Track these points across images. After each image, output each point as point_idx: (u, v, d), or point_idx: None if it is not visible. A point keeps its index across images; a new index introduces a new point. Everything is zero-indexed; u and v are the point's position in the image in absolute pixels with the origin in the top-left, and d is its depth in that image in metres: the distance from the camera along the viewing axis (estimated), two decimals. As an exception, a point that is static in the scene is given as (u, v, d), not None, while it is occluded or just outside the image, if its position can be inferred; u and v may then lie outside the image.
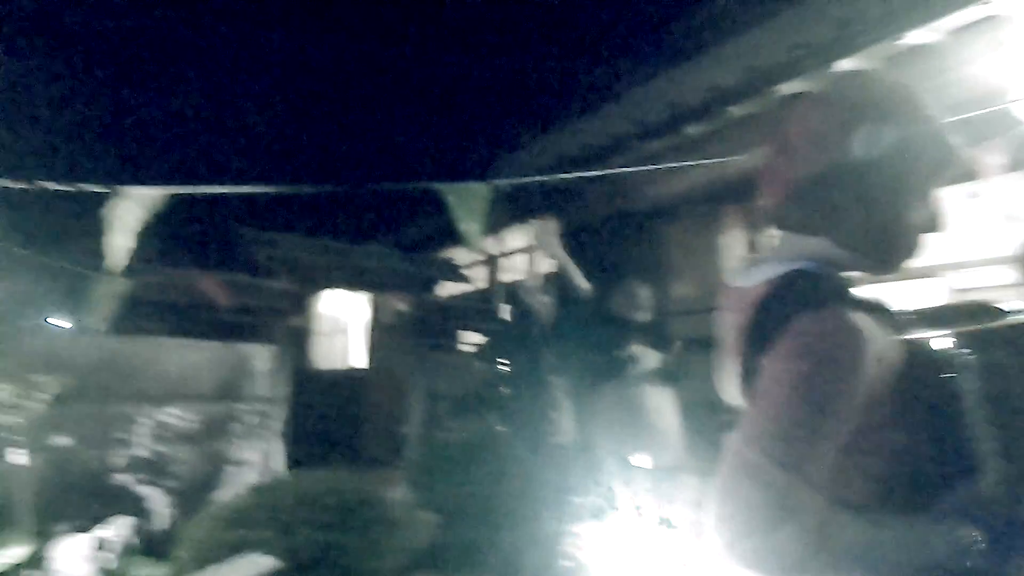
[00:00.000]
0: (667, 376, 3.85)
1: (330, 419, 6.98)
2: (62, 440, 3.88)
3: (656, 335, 4.16)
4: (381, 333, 6.74)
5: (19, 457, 3.42)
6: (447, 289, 6.87)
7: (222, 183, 3.09)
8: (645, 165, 4.27)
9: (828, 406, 0.71)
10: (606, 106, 5.54)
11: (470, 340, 7.17)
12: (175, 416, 4.77)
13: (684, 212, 5.25)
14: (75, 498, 4.00)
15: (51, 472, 3.84)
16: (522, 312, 3.92)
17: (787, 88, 4.50)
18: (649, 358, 3.80)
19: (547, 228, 3.46)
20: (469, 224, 2.82)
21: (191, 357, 4.86)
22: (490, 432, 5.80)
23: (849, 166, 0.85)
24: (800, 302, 0.79)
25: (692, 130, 5.15)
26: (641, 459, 3.60)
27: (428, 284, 6.66)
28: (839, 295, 0.81)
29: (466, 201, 2.82)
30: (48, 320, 3.71)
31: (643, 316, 3.87)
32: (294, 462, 5.31)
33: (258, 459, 5.21)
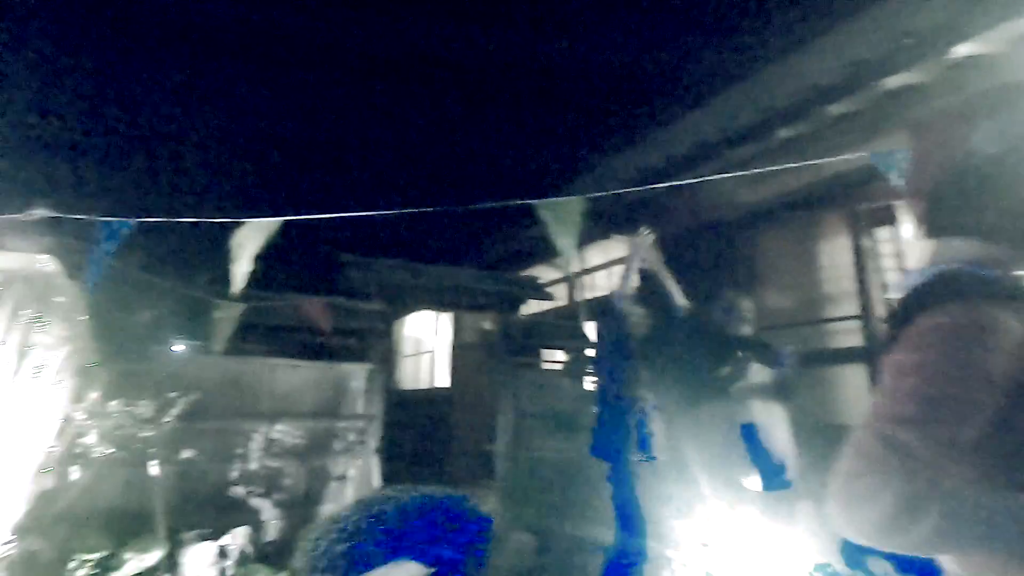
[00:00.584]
0: (776, 392, 3.62)
1: (422, 436, 7.16)
2: (188, 453, 4.21)
3: (760, 349, 3.93)
4: (469, 352, 6.87)
5: (154, 469, 3.74)
6: (534, 306, 6.89)
7: (320, 211, 3.28)
8: (738, 170, 4.10)
9: (972, 389, 0.76)
10: (695, 111, 5.39)
11: (558, 358, 7.13)
12: (284, 433, 5.06)
13: (783, 218, 4.98)
14: (200, 508, 4.32)
15: (180, 483, 4.18)
16: (614, 328, 3.83)
17: (891, 82, 4.19)
18: (755, 373, 3.60)
19: (642, 241, 3.38)
20: (564, 239, 2.81)
21: (297, 377, 5.16)
22: (582, 452, 5.70)
23: (988, 162, 0.87)
24: (945, 297, 0.83)
25: (787, 132, 4.90)
26: (750, 481, 3.39)
27: (515, 302, 6.71)
28: (983, 289, 0.84)
29: (561, 216, 2.82)
30: (174, 343, 4.06)
31: (745, 329, 3.68)
32: (390, 478, 5.46)
33: (357, 475, 5.41)
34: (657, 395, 4.07)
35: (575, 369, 6.49)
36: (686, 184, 3.54)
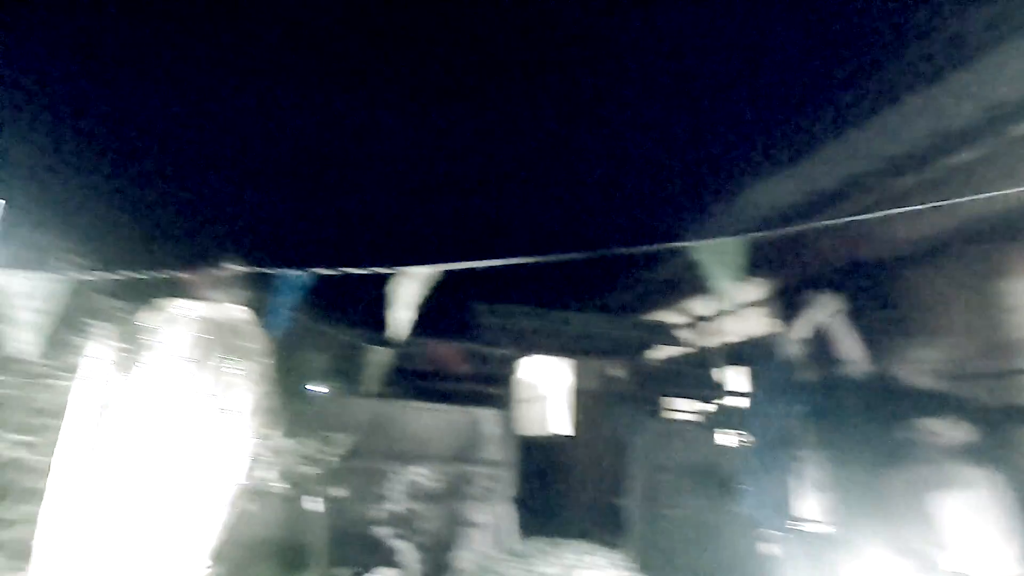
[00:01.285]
0: (972, 455, 3.14)
1: (553, 485, 7.03)
2: (340, 492, 4.44)
3: (945, 404, 3.45)
4: (601, 399, 6.70)
5: (314, 505, 3.98)
6: (667, 353, 6.64)
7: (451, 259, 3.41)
8: (894, 205, 3.72)
9: None
10: (840, 145, 5.04)
11: (697, 408, 6.75)
12: (421, 475, 5.21)
13: (961, 255, 4.42)
14: (348, 546, 4.52)
15: (332, 520, 4.40)
16: (775, 378, 3.55)
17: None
18: (945, 432, 3.15)
19: (826, 302, 3.15)
20: (722, 280, 2.68)
21: (432, 420, 5.33)
22: (725, 511, 5.28)
23: None
24: None
25: (958, 158, 4.42)
26: (950, 561, 2.93)
27: (647, 348, 6.51)
28: None
29: (717, 257, 2.70)
30: (334, 386, 4.36)
31: (930, 382, 3.26)
32: (524, 528, 5.38)
33: (491, 522, 5.40)
34: (827, 455, 3.69)
35: (714, 420, 6.09)
36: (848, 221, 3.26)
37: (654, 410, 6.65)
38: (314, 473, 3.86)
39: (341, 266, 3.55)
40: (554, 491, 7.39)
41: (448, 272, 3.54)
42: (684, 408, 7.04)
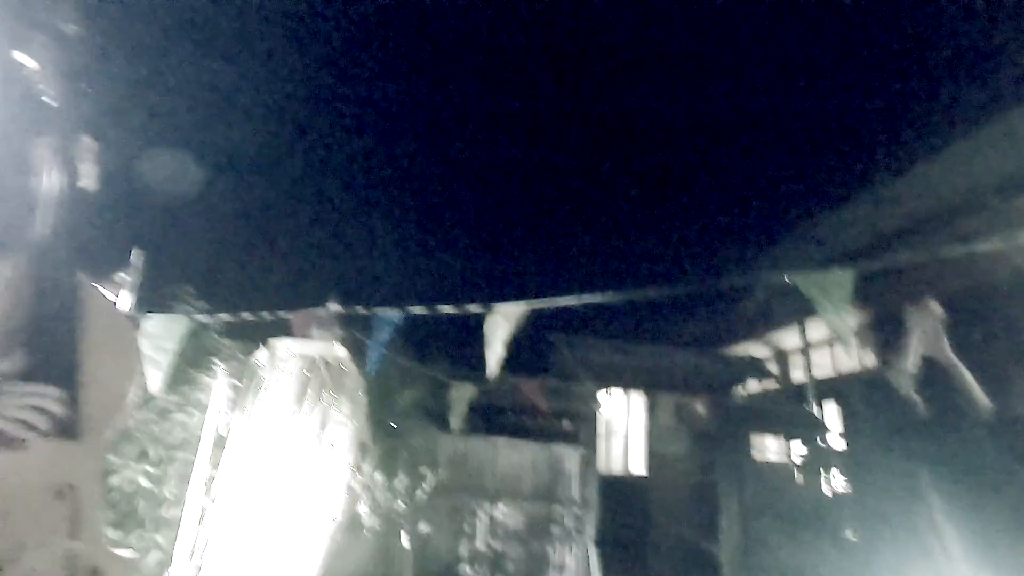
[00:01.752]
0: None
1: (636, 526, 6.74)
2: (427, 528, 4.47)
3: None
4: (688, 436, 6.43)
5: (402, 540, 4.03)
6: (759, 388, 6.34)
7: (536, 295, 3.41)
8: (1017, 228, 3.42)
9: None
10: (945, 163, 4.73)
11: (793, 448, 6.37)
12: (505, 513, 5.17)
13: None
14: (437, 583, 4.53)
15: (419, 556, 4.42)
16: (888, 417, 3.30)
17: None
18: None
19: (926, 315, 2.93)
20: (834, 315, 2.54)
21: (516, 457, 5.31)
22: (829, 563, 4.88)
23: None
24: None
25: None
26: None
27: (737, 383, 6.24)
28: None
29: (829, 290, 2.57)
30: (412, 421, 4.43)
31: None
32: (607, 570, 5.19)
33: (574, 564, 5.25)
34: (948, 503, 3.37)
35: (812, 462, 5.71)
36: (961, 251, 3.03)
37: (745, 449, 6.31)
38: (402, 509, 3.92)
39: (429, 304, 3.67)
40: (638, 533, 7.10)
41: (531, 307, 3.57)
42: (778, 448, 6.64)
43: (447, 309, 3.70)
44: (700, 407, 6.48)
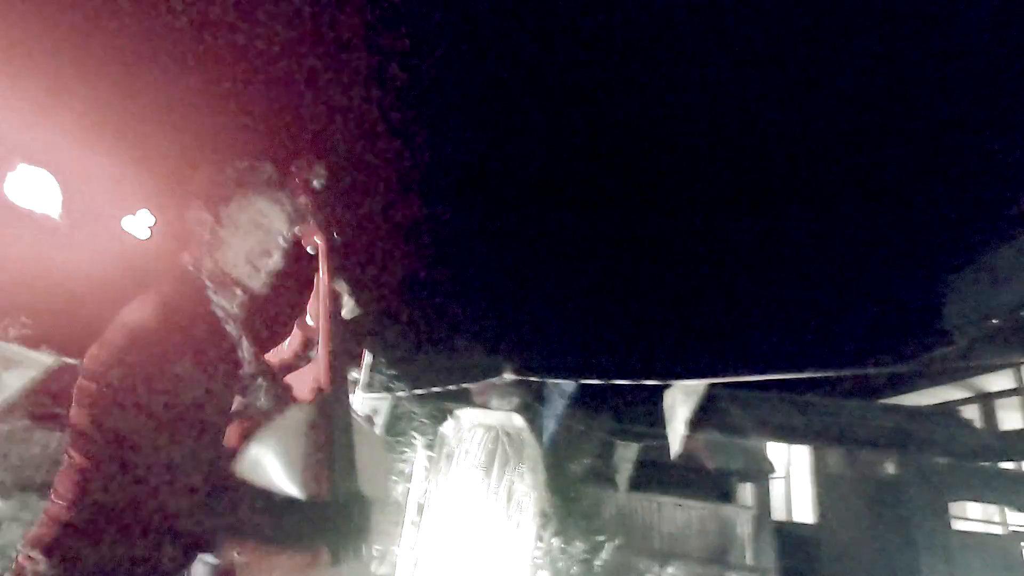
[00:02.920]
0: None
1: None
2: (601, 591, 4.47)
3: None
4: (871, 498, 5.79)
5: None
6: (954, 444, 5.58)
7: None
8: None
9: None
10: None
11: (1002, 516, 5.53)
12: (675, 575, 5.02)
13: None
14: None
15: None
16: None
17: None
18: None
19: None
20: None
21: (685, 517, 5.16)
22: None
23: None
24: None
25: None
26: None
27: (925, 439, 5.56)
28: None
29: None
30: (586, 485, 4.48)
31: None
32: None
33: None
34: None
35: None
36: None
37: (941, 514, 5.57)
38: (579, 571, 3.98)
39: (602, 375, 3.75)
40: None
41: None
42: (983, 516, 5.78)
43: (623, 381, 3.77)
44: (886, 465, 5.81)
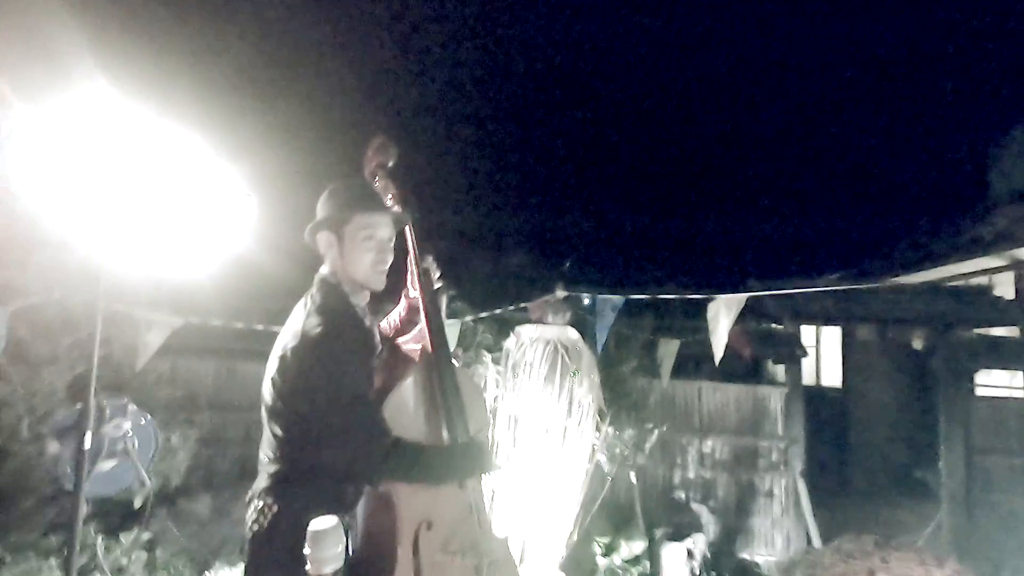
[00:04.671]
0: None
1: (844, 460, 6.93)
2: (650, 465, 5.18)
3: None
4: (903, 371, 6.26)
5: (632, 478, 4.79)
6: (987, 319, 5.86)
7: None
8: None
9: None
10: None
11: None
12: (712, 447, 5.71)
13: None
14: (660, 508, 5.31)
15: (644, 488, 5.18)
16: None
17: None
18: None
19: None
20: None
21: (722, 398, 5.74)
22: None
23: None
24: None
25: None
26: None
27: (958, 317, 5.85)
28: None
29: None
30: (634, 379, 5.02)
31: None
32: (815, 500, 5.54)
33: (781, 494, 5.69)
34: None
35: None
36: None
37: (970, 383, 6.01)
38: (631, 452, 4.64)
39: (651, 290, 4.09)
40: (846, 465, 7.26)
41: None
42: (1009, 384, 6.19)
43: (669, 295, 4.10)
44: (916, 340, 6.16)
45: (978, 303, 5.69)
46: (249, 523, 1.55)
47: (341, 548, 1.03)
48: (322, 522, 1.02)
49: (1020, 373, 6.49)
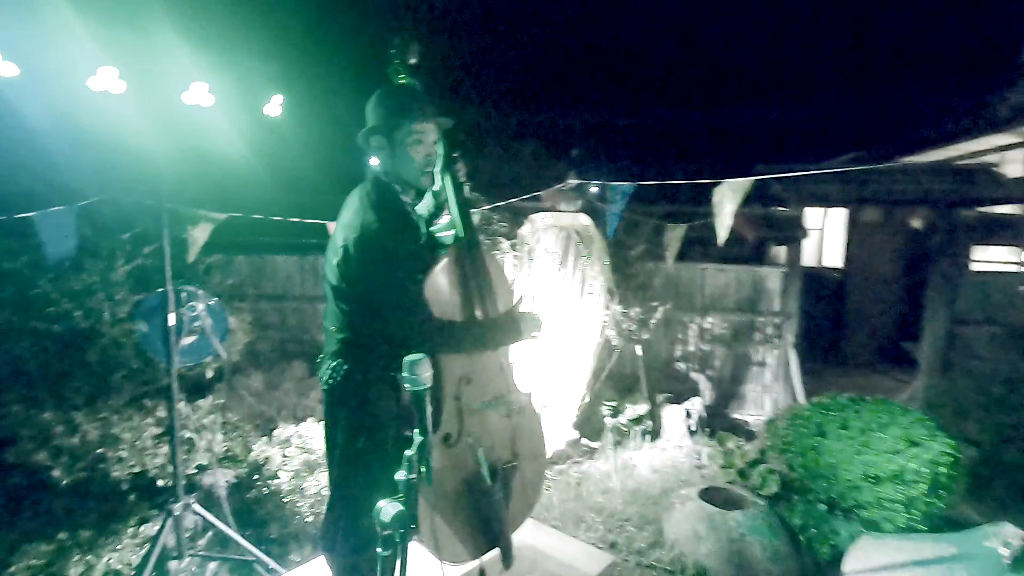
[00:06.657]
0: None
1: (837, 330, 7.35)
2: (653, 338, 5.65)
3: None
4: (895, 247, 6.49)
5: (639, 350, 5.28)
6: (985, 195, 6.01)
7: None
8: None
9: None
10: None
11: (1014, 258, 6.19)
12: (711, 323, 6.16)
13: None
14: (660, 378, 5.88)
15: (648, 359, 5.70)
16: None
17: None
18: None
19: None
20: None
21: (723, 279, 6.10)
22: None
23: None
24: None
25: None
26: None
27: (955, 198, 5.99)
28: None
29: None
30: (641, 263, 5.33)
31: None
32: (805, 367, 6.07)
33: (774, 362, 6.22)
34: None
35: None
36: None
37: (961, 260, 6.28)
38: (636, 328, 5.07)
39: (660, 176, 4.26)
40: (838, 338, 7.74)
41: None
42: (996, 259, 6.45)
43: (677, 181, 4.29)
44: (916, 220, 6.32)
45: (982, 182, 5.81)
46: (324, 379, 1.92)
47: (431, 372, 1.28)
48: (414, 355, 1.25)
49: (1020, 250, 6.73)
